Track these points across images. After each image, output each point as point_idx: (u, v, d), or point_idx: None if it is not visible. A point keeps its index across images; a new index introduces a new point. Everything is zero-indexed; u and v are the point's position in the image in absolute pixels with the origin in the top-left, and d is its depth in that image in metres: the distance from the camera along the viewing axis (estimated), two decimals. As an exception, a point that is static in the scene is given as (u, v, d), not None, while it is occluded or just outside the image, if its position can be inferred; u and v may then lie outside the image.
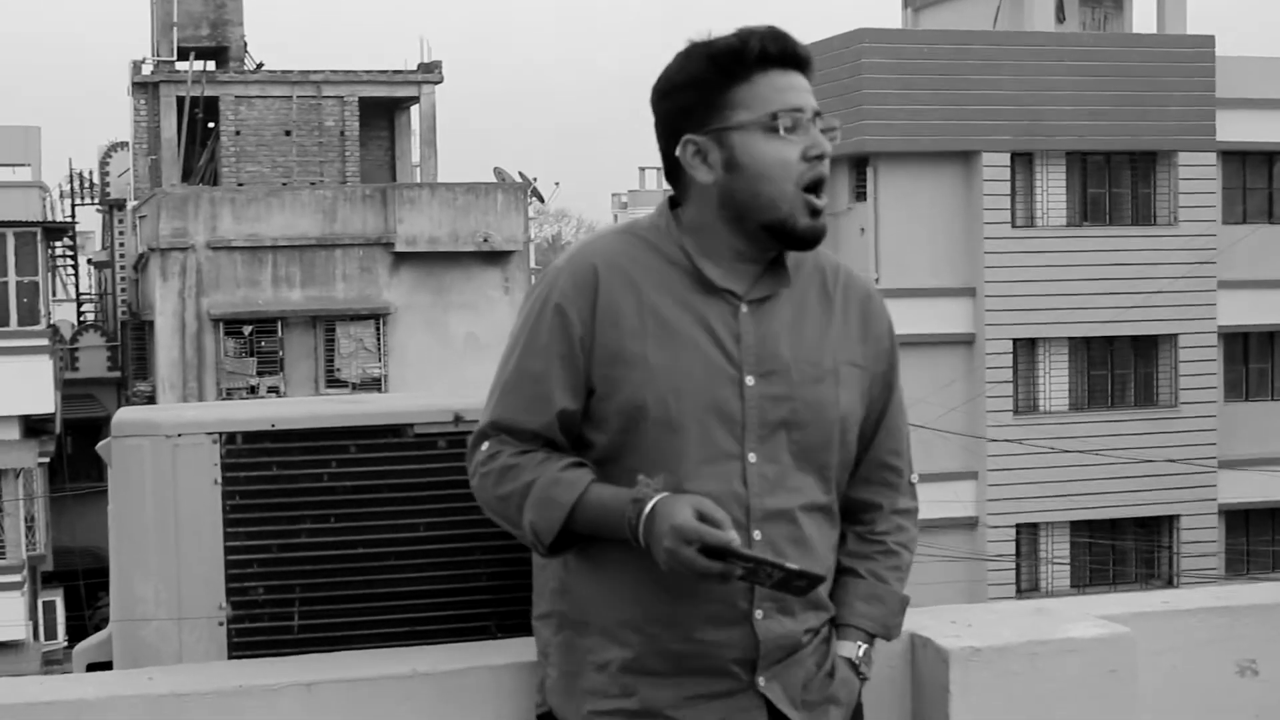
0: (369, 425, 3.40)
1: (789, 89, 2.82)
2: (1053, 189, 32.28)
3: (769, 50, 2.82)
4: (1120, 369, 32.84)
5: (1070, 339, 32.28)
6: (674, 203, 2.93)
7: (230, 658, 3.33)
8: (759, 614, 2.80)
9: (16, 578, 29.88)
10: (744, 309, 2.84)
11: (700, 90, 2.83)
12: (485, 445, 2.85)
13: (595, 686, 2.85)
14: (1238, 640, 3.70)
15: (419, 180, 35.12)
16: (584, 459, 2.82)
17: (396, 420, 3.41)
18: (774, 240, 2.82)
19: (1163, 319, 32.43)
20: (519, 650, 3.20)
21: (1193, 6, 35.96)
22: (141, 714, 3.06)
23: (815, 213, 2.79)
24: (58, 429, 31.09)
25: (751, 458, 2.81)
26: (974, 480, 31.44)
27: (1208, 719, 3.67)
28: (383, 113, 37.68)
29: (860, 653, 2.98)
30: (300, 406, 3.53)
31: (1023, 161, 32.09)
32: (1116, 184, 32.84)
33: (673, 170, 2.90)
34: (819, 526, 2.91)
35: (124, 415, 3.42)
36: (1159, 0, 35.63)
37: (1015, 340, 31.78)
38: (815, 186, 2.79)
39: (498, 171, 34.85)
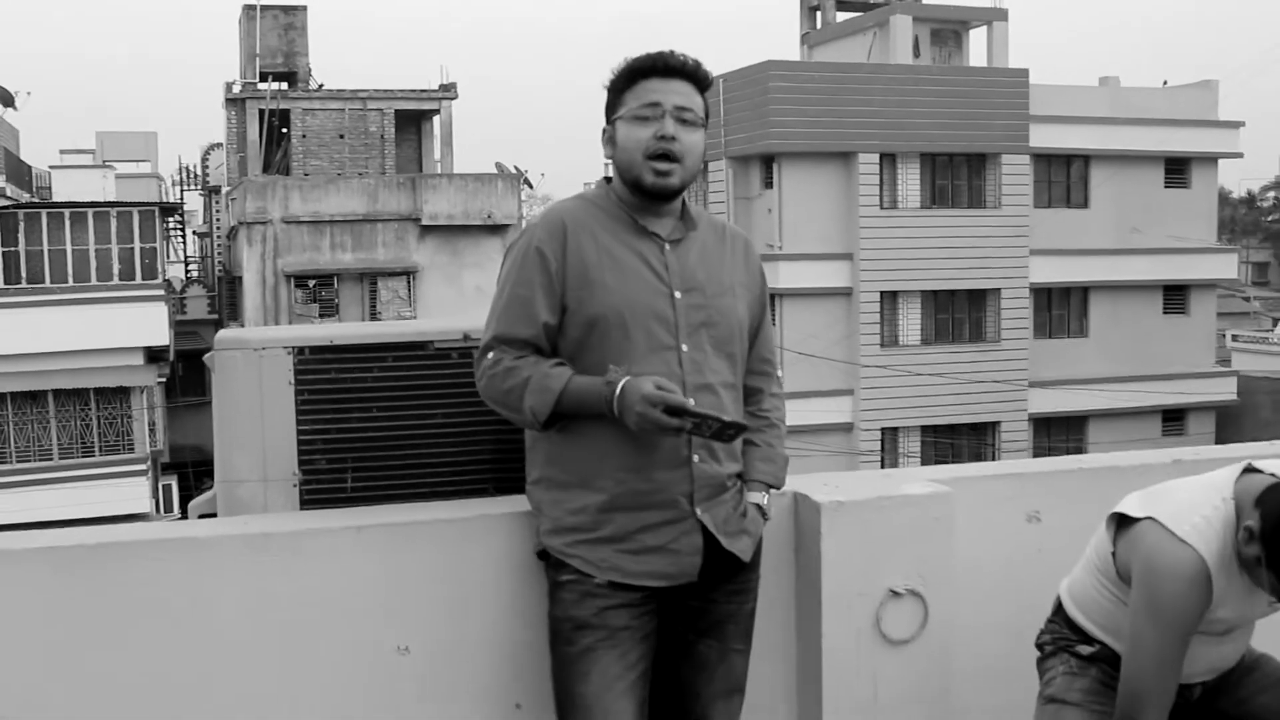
0: (401, 341, 3.41)
1: (654, 91, 2.93)
2: (910, 180, 32.18)
3: (644, 66, 2.94)
4: (958, 314, 32.81)
5: (922, 291, 32.23)
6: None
7: (301, 509, 3.36)
8: (696, 459, 2.91)
9: (142, 467, 29.70)
10: (668, 247, 2.97)
11: (610, 93, 3.00)
12: (490, 355, 2.92)
13: (577, 524, 2.92)
14: (1027, 497, 3.74)
15: (439, 172, 34.84)
16: (564, 362, 2.90)
17: (421, 338, 3.43)
18: (638, 193, 2.95)
19: (989, 277, 32.43)
20: (511, 504, 3.25)
21: (1013, 47, 36.02)
22: (239, 548, 3.10)
23: (658, 174, 2.90)
24: (171, 357, 30.83)
25: (684, 348, 2.91)
26: (850, 396, 31.41)
27: (1005, 553, 3.69)
28: (412, 121, 37.35)
29: (764, 500, 3.08)
30: (351, 329, 3.58)
31: (888, 160, 31.95)
32: (957, 177, 32.75)
33: None
34: (732, 397, 3.02)
35: (224, 335, 3.44)
36: (989, 41, 35.54)
37: (882, 292, 31.69)
38: (658, 156, 2.89)
39: (498, 165, 34.57)
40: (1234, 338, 44.32)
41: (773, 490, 3.14)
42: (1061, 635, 3.15)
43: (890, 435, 31.76)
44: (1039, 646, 3.22)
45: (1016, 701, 3.24)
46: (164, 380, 31.37)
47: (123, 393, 30.19)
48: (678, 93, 2.93)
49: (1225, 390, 34.73)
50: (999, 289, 32.66)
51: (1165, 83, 38.08)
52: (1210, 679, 3.10)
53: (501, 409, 2.95)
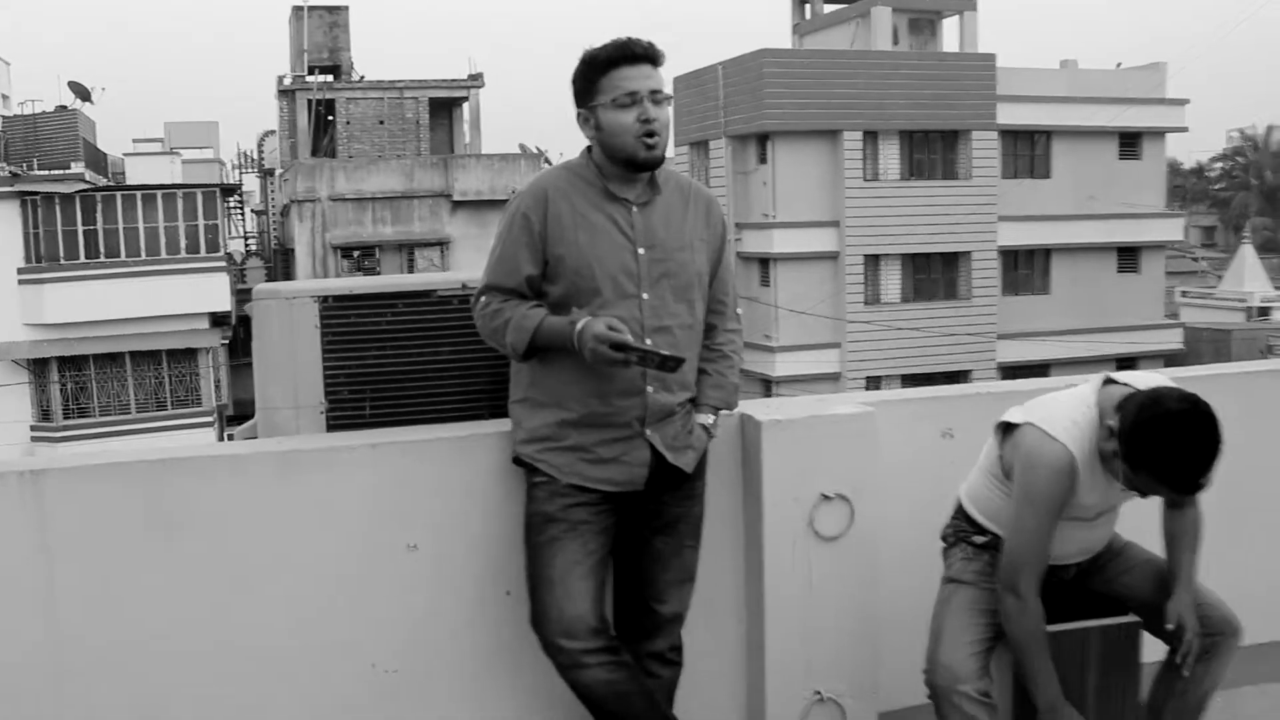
0: (409, 290, 3.54)
1: (629, 79, 3.01)
2: (890, 155, 32.01)
3: (616, 56, 3.02)
4: (934, 274, 32.71)
5: (901, 254, 32.12)
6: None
7: (327, 431, 3.48)
8: (650, 389, 3.07)
9: (209, 418, 29.98)
10: (635, 209, 3.10)
11: (583, 82, 3.07)
12: (483, 299, 3.10)
13: (547, 435, 3.09)
14: (941, 416, 3.86)
15: (468, 153, 34.83)
16: (542, 304, 3.06)
17: (427, 288, 3.56)
18: (630, 167, 3.06)
19: (961, 241, 32.32)
20: (501, 426, 3.35)
21: (983, 35, 35.75)
22: (275, 462, 3.24)
23: (649, 148, 3.02)
24: (233, 321, 30.98)
25: (645, 296, 3.06)
26: (837, 349, 31.38)
27: (921, 464, 3.79)
28: (444, 107, 37.27)
29: (711, 421, 3.22)
30: (368, 281, 3.65)
31: (870, 137, 31.77)
32: (932, 152, 32.58)
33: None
34: (688, 337, 3.14)
35: (260, 288, 3.56)
36: (960, 29, 35.36)
37: (865, 255, 31.59)
38: (647, 135, 3.00)
39: (521, 146, 34.59)
40: (1182, 294, 44.20)
41: (722, 412, 3.29)
42: (960, 528, 3.30)
43: (874, 384, 31.73)
44: (943, 539, 3.36)
45: (928, 585, 3.34)
46: (227, 342, 31.51)
47: (190, 353, 30.44)
48: (647, 77, 3.03)
49: (1173, 340, 34.65)
50: (970, 251, 32.54)
51: (1119, 65, 37.84)
52: (1082, 560, 3.26)
53: (491, 342, 3.13)
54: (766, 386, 30.29)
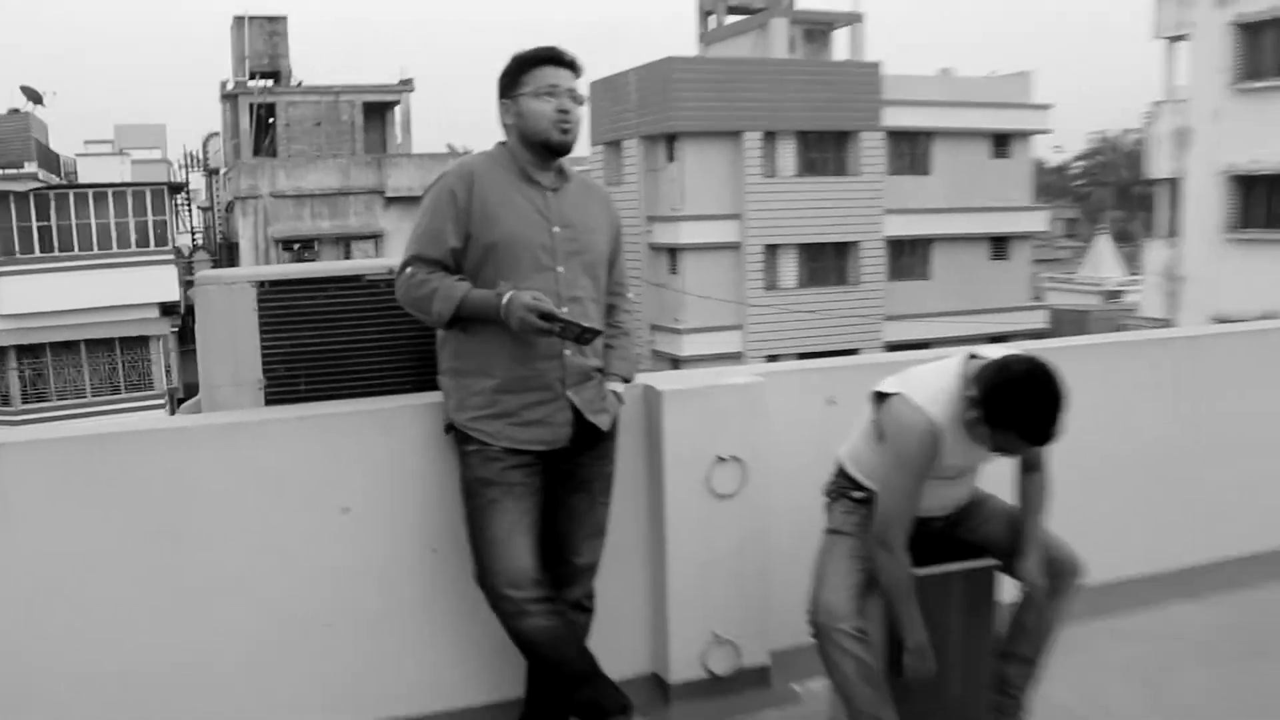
0: (340, 275, 3.52)
1: (552, 76, 3.09)
2: (786, 154, 32.08)
3: (544, 56, 3.09)
4: (827, 262, 32.86)
5: (798, 244, 32.29)
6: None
7: (265, 405, 3.46)
8: (568, 353, 3.10)
9: (161, 401, 29.48)
10: (550, 193, 3.14)
11: (511, 76, 3.12)
12: (408, 269, 3.09)
13: (475, 403, 3.10)
14: (826, 386, 3.92)
15: (400, 152, 34.45)
16: (465, 277, 3.06)
17: (356, 273, 3.53)
18: (545, 150, 3.10)
19: (851, 232, 32.60)
20: (425, 398, 3.37)
21: (870, 44, 36.05)
22: (219, 433, 3.22)
23: (564, 132, 3.09)
24: (181, 310, 30.48)
25: (559, 269, 3.09)
26: (739, 330, 31.46)
27: (809, 428, 3.83)
28: (377, 110, 36.72)
29: (620, 388, 3.27)
30: (302, 267, 3.59)
31: (769, 137, 31.84)
32: (825, 151, 32.75)
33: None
34: (595, 309, 3.19)
35: (203, 274, 3.51)
36: (852, 39, 35.66)
37: (765, 245, 31.76)
38: (563, 123, 3.07)
39: (449, 146, 34.39)
40: (1047, 279, 45.07)
41: (626, 383, 3.34)
42: (841, 485, 3.36)
43: (773, 362, 31.91)
44: (826, 494, 3.41)
45: (813, 536, 3.37)
46: (176, 329, 30.96)
47: (142, 340, 29.92)
48: (569, 79, 3.12)
49: (1038, 321, 35.22)
50: (859, 241, 32.77)
51: (991, 73, 38.40)
52: (948, 513, 3.35)
53: (415, 311, 3.11)
54: (675, 366, 30.33)
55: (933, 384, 3.11)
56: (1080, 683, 3.92)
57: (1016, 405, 2.89)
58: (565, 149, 3.13)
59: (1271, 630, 4.31)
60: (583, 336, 2.98)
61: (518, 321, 2.94)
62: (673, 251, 31.94)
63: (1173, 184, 28.97)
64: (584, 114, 3.16)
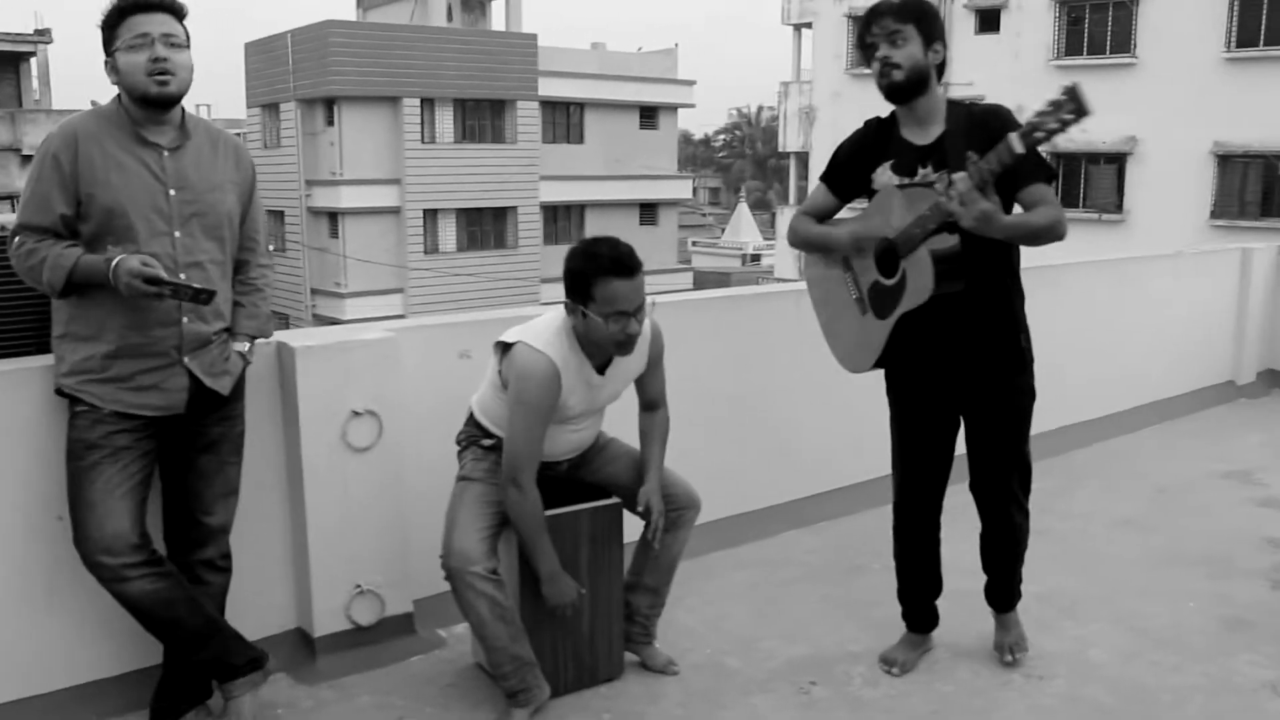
0: None
1: (141, 25, 2.88)
2: (445, 120, 31.86)
3: (129, 6, 2.89)
4: (486, 227, 32.96)
5: (456, 209, 32.24)
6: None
7: None
8: (185, 320, 2.96)
9: None
10: (166, 154, 2.96)
11: (105, 32, 2.94)
12: (17, 239, 2.88)
13: (88, 368, 2.93)
14: (459, 339, 3.91)
15: (39, 108, 31.67)
16: (77, 243, 2.88)
17: None
18: (144, 104, 2.92)
19: (509, 198, 32.82)
20: (45, 360, 3.14)
21: (526, 16, 36.18)
22: None
23: (160, 85, 2.89)
24: None
25: (177, 234, 2.93)
26: (401, 294, 31.12)
27: (443, 380, 3.83)
28: (10, 62, 33.61)
29: (246, 348, 3.16)
30: None
31: (428, 104, 31.53)
32: (482, 118, 32.72)
33: None
34: (219, 271, 3.05)
35: None
36: (507, 10, 35.67)
37: (424, 210, 31.51)
38: (159, 74, 2.88)
39: (93, 102, 31.80)
40: (692, 244, 47.06)
41: (257, 340, 3.24)
42: (471, 434, 3.41)
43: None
44: (458, 442, 3.45)
45: (448, 484, 3.39)
46: None
47: None
48: (161, 24, 2.89)
49: (685, 283, 36.80)
50: (516, 207, 33.09)
51: (640, 48, 39.57)
52: (573, 456, 3.45)
53: (28, 280, 2.91)
54: (338, 329, 29.64)
55: (546, 326, 3.24)
56: (704, 606, 4.18)
57: (591, 251, 3.14)
58: (166, 100, 2.92)
59: (867, 550, 4.73)
60: (198, 297, 2.85)
61: (124, 288, 2.78)
62: (333, 216, 31.12)
63: (800, 157, 30.84)
64: (186, 59, 2.94)
